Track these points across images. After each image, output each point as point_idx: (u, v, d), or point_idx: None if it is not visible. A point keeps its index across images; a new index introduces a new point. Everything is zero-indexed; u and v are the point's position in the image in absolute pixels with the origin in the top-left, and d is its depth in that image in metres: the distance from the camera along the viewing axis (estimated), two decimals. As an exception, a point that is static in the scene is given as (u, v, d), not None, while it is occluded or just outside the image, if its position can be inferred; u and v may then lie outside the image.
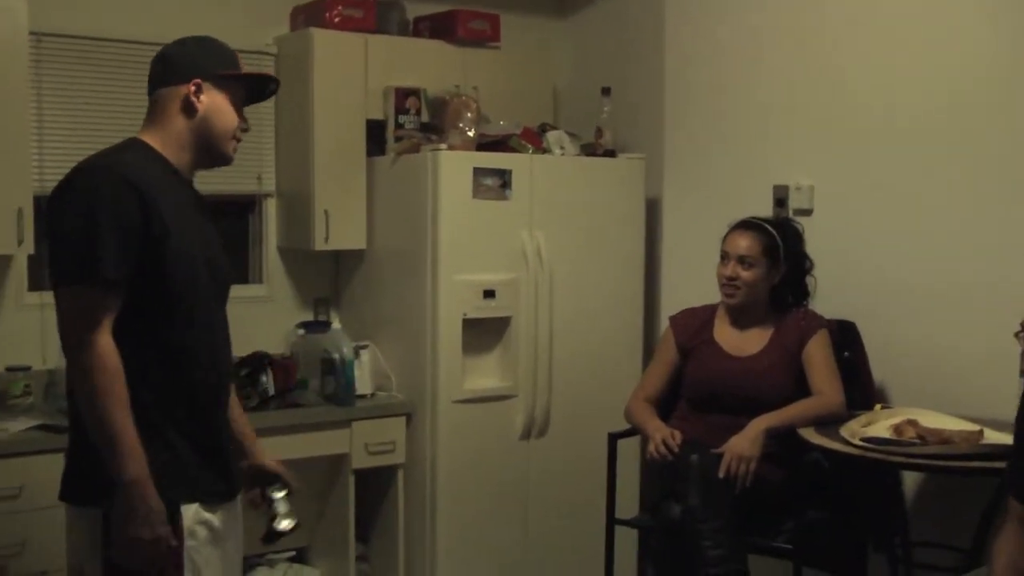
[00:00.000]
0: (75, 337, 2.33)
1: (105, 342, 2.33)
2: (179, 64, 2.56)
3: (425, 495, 4.43)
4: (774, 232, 3.88)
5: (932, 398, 3.77)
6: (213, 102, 2.56)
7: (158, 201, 2.42)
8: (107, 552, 2.40)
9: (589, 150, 4.77)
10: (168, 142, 2.55)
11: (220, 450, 2.59)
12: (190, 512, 2.47)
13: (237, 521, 2.66)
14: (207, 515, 2.51)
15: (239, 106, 2.64)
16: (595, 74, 5.15)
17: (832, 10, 4.29)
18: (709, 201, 4.77)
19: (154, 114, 2.58)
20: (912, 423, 3.43)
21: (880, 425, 3.49)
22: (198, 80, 2.54)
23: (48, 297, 4.21)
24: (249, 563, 4.41)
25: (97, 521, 2.40)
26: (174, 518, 2.42)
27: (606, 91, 4.77)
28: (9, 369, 4.19)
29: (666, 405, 4.06)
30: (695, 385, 3.91)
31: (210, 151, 2.60)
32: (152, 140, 2.55)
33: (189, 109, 2.55)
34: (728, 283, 3.85)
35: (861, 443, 3.34)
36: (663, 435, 3.70)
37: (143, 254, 2.39)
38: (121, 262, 2.35)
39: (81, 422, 2.44)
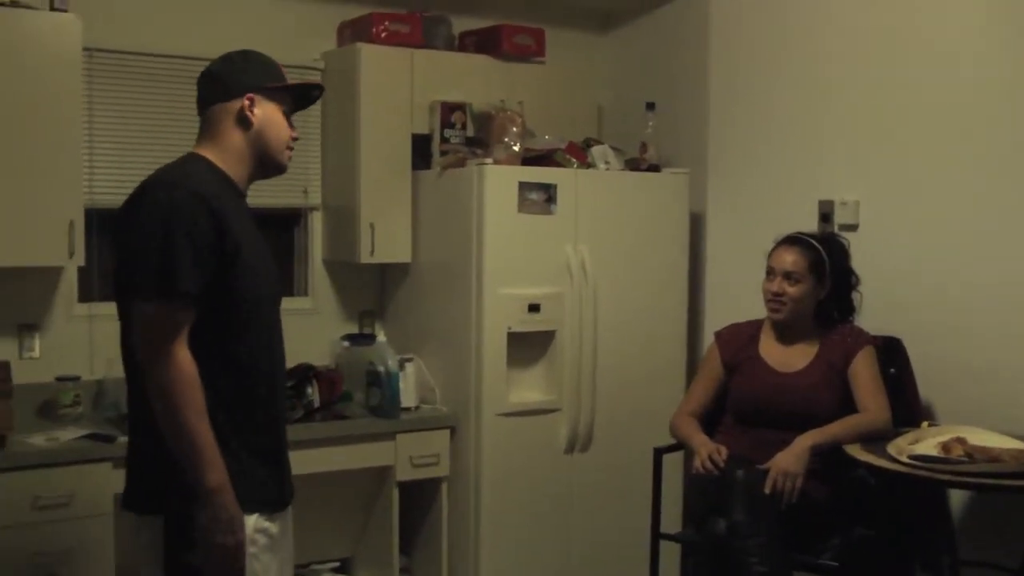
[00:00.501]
0: (155, 350, 2.37)
1: (184, 354, 2.38)
2: (230, 80, 2.62)
3: (469, 508, 4.44)
4: (820, 248, 3.86)
5: (979, 415, 3.74)
6: (266, 114, 2.63)
7: (227, 216, 2.47)
8: (168, 559, 2.44)
9: (633, 165, 4.78)
10: (226, 156, 2.61)
11: (280, 459, 2.64)
12: (251, 521, 2.50)
13: (290, 530, 2.70)
14: (266, 523, 2.54)
15: (288, 115, 2.70)
16: (639, 89, 5.16)
17: (879, 25, 4.28)
18: (753, 216, 4.76)
19: (209, 130, 2.63)
20: (960, 441, 3.40)
21: (927, 443, 3.47)
22: (251, 94, 2.60)
23: (97, 309, 4.34)
24: (294, 573, 4.43)
25: (159, 529, 2.45)
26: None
27: (650, 106, 4.78)
28: (59, 379, 4.24)
29: (711, 420, 4.05)
30: (740, 400, 3.90)
31: (266, 162, 2.66)
32: (211, 155, 2.60)
33: (244, 122, 2.61)
34: (774, 298, 3.84)
35: (909, 460, 3.32)
36: (709, 450, 3.70)
37: (216, 268, 2.44)
38: (198, 276, 2.40)
39: (143, 432, 2.49)
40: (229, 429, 2.47)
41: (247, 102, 2.59)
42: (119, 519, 3.86)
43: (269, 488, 2.58)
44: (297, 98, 2.77)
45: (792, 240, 3.90)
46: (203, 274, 2.41)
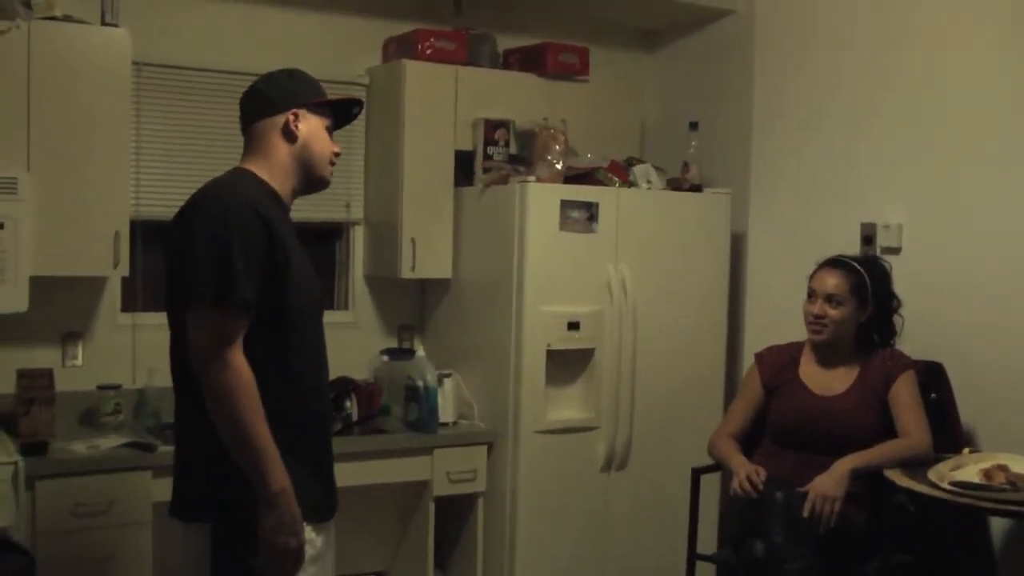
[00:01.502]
0: (213, 356, 2.40)
1: (240, 360, 2.41)
2: (274, 96, 2.68)
3: (505, 524, 4.44)
4: (862, 271, 3.84)
5: (1022, 442, 3.70)
6: (310, 129, 2.69)
7: (279, 229, 2.52)
8: (217, 567, 2.47)
9: (675, 184, 4.77)
10: (273, 171, 2.66)
11: (328, 471, 2.68)
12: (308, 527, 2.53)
13: (333, 542, 2.72)
14: (312, 534, 2.56)
15: (330, 131, 2.76)
16: (682, 108, 5.16)
17: (925, 46, 4.26)
18: (795, 237, 4.74)
19: (255, 145, 2.69)
20: (1002, 468, 3.36)
21: (969, 469, 3.43)
22: (296, 109, 2.66)
23: (140, 319, 4.40)
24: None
25: (207, 537, 2.48)
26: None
27: (693, 125, 4.78)
28: (101, 387, 4.28)
29: (750, 442, 4.03)
30: (780, 423, 3.88)
31: (311, 176, 2.71)
32: (258, 170, 2.66)
33: (290, 136, 2.66)
34: (815, 321, 3.82)
35: (950, 487, 3.29)
36: (748, 471, 3.68)
37: (267, 278, 2.48)
38: (253, 284, 2.44)
39: (193, 440, 2.53)
40: (280, 440, 2.47)
41: (292, 116, 2.65)
42: (158, 527, 3.89)
43: (317, 499, 2.60)
44: (338, 115, 2.82)
45: (834, 263, 3.88)
46: (257, 282, 2.45)
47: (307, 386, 2.60)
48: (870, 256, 4.02)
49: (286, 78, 2.72)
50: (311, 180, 2.73)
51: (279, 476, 2.42)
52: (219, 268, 2.41)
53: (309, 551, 2.53)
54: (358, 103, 2.89)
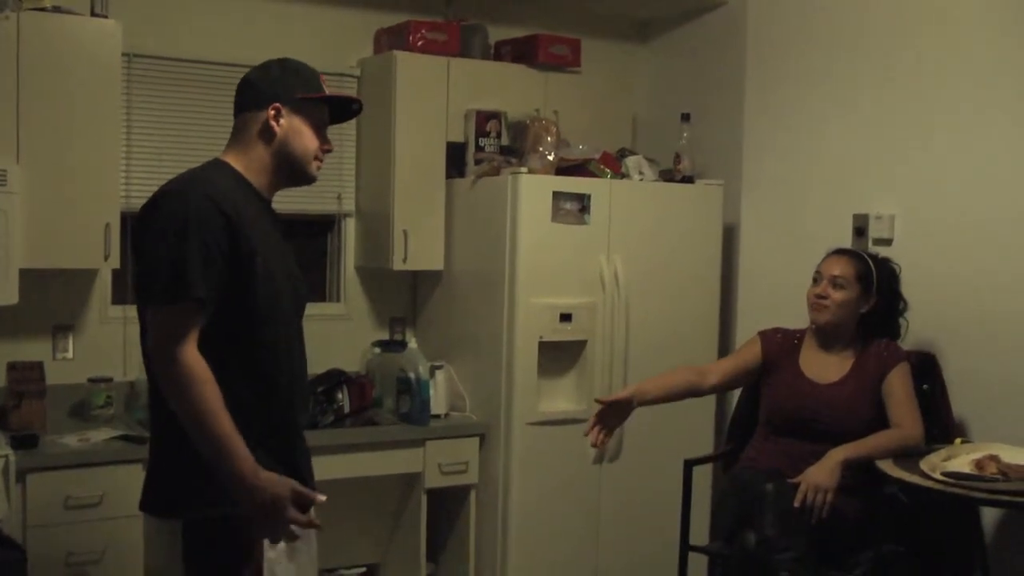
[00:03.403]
0: (165, 354, 2.36)
1: (192, 354, 2.36)
2: (260, 90, 2.63)
3: (497, 516, 4.44)
4: (869, 261, 3.85)
5: (1013, 433, 3.71)
6: (292, 126, 2.61)
7: (243, 222, 2.47)
8: (186, 562, 2.45)
9: (667, 176, 4.77)
10: (249, 165, 2.61)
11: (297, 465, 2.62)
12: None
13: (311, 535, 2.67)
14: None
15: (321, 127, 2.68)
16: (675, 100, 5.15)
17: (916, 38, 4.26)
18: (787, 228, 4.75)
19: (236, 137, 2.65)
20: (994, 458, 3.37)
21: (961, 460, 3.44)
22: (277, 105, 2.60)
23: (131, 311, 4.35)
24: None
25: (177, 533, 2.45)
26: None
27: (685, 117, 4.77)
28: (92, 380, 4.27)
29: (745, 430, 4.04)
30: (774, 409, 3.88)
31: (291, 173, 2.66)
32: (235, 162, 2.62)
33: (267, 133, 2.60)
34: (817, 300, 3.83)
35: (942, 477, 3.29)
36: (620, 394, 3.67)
37: (230, 274, 2.43)
38: (208, 280, 2.39)
39: (162, 435, 2.51)
40: (246, 435, 2.41)
41: (272, 112, 2.59)
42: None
43: None
44: (334, 111, 2.76)
45: (843, 250, 3.92)
46: (214, 278, 2.40)
47: (277, 382, 2.55)
48: (882, 257, 4.01)
49: (278, 70, 2.66)
50: (293, 177, 2.67)
51: (242, 461, 2.35)
52: (173, 264, 2.37)
53: (280, 546, 2.49)
54: (356, 101, 2.83)
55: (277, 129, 2.60)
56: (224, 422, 2.36)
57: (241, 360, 2.49)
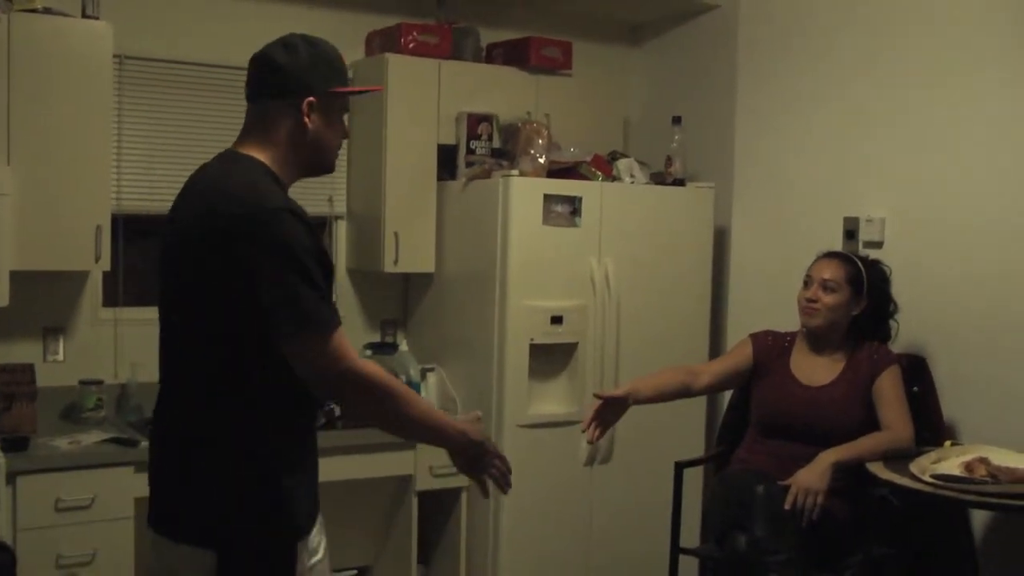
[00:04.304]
0: (349, 375, 2.27)
1: (361, 362, 2.31)
2: (292, 78, 2.39)
3: (488, 518, 4.44)
4: (859, 263, 3.87)
5: (1003, 435, 3.72)
6: (324, 119, 2.43)
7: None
8: None
9: (658, 179, 4.78)
10: (277, 158, 2.41)
11: (317, 472, 2.55)
12: (310, 537, 2.44)
13: (323, 537, 2.60)
14: (315, 536, 2.48)
15: (344, 116, 2.52)
16: (666, 103, 5.16)
17: (907, 41, 4.27)
18: (777, 231, 4.76)
19: (262, 128, 2.42)
20: (983, 461, 3.38)
21: (950, 462, 3.45)
22: (312, 100, 2.39)
23: (122, 313, 4.40)
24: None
25: (211, 564, 2.30)
26: (295, 547, 2.38)
27: (677, 120, 4.78)
28: (82, 383, 4.27)
29: (736, 432, 4.05)
30: (764, 411, 3.89)
31: (316, 165, 2.49)
32: (263, 157, 2.40)
33: (299, 128, 2.41)
34: (808, 304, 3.84)
35: (931, 480, 3.30)
36: (597, 404, 3.64)
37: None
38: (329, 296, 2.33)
39: (206, 458, 2.33)
40: (295, 448, 2.41)
41: (307, 107, 2.39)
42: (141, 523, 3.86)
43: (312, 506, 2.49)
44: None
45: (833, 254, 3.93)
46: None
47: (312, 398, 2.46)
48: (872, 259, 4.03)
49: (308, 55, 2.41)
50: (316, 169, 2.50)
51: (449, 423, 2.46)
52: (310, 295, 2.24)
53: (317, 553, 2.47)
54: (373, 90, 2.70)
55: (310, 124, 2.40)
56: (420, 403, 2.42)
57: (293, 380, 2.33)
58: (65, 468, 3.77)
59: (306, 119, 2.39)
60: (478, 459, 2.48)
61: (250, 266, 2.22)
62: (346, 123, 2.53)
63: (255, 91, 2.44)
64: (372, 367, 2.33)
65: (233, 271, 2.23)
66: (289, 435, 2.40)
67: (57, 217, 3.96)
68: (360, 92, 2.61)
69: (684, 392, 3.91)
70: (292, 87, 2.38)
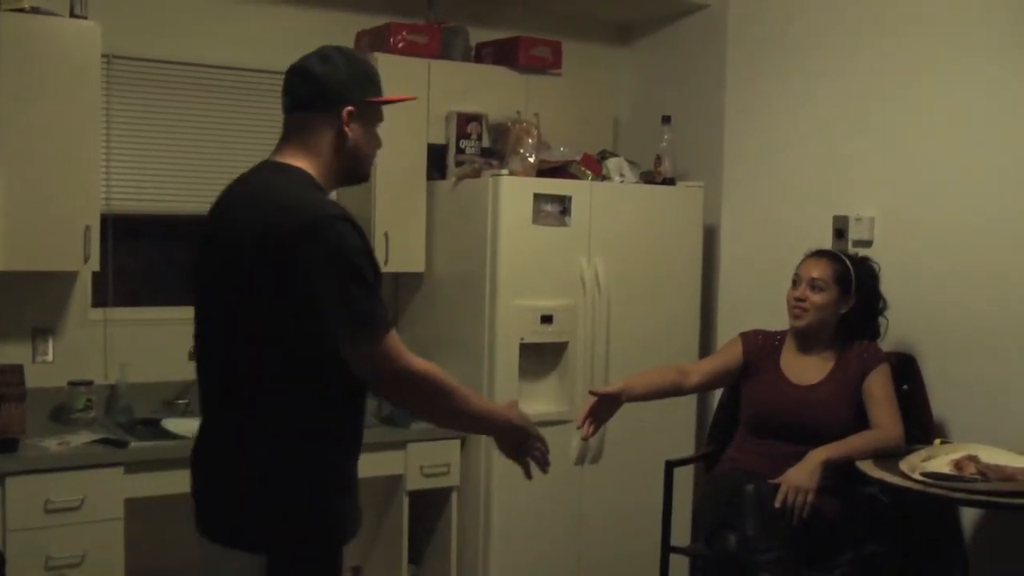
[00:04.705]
0: (405, 373, 2.35)
1: (415, 360, 2.37)
2: (331, 89, 2.44)
3: (479, 518, 4.44)
4: (847, 262, 3.87)
5: (992, 433, 3.73)
6: (362, 128, 2.49)
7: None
8: None
9: (648, 178, 4.78)
10: (320, 168, 2.45)
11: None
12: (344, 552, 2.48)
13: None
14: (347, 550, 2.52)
15: (378, 126, 2.58)
16: (655, 102, 5.17)
17: (897, 40, 4.28)
18: (767, 230, 4.76)
19: (302, 138, 2.47)
20: (973, 459, 3.39)
21: (940, 460, 3.46)
22: (351, 109, 2.45)
23: (112, 314, 4.38)
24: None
25: (262, 569, 2.34)
26: (341, 552, 2.44)
27: (666, 119, 4.78)
28: (72, 384, 4.25)
29: (725, 431, 4.05)
30: (754, 411, 3.90)
31: (354, 173, 2.54)
32: (307, 167, 2.45)
33: (340, 137, 2.46)
34: (796, 304, 3.85)
35: (921, 478, 3.31)
36: (592, 400, 3.61)
37: None
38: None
39: (258, 464, 2.36)
40: (346, 458, 2.48)
41: (346, 116, 2.44)
42: (130, 524, 3.88)
43: (357, 512, 2.54)
44: None
45: (821, 252, 3.94)
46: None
47: (364, 404, 2.52)
48: (861, 256, 4.03)
49: (345, 66, 2.46)
50: (354, 178, 2.55)
51: (498, 411, 2.60)
52: (366, 300, 2.30)
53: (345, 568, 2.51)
54: (407, 99, 2.75)
55: (350, 133, 2.45)
56: (469, 395, 2.50)
57: (350, 386, 2.41)
58: (54, 469, 3.76)
59: (346, 128, 2.45)
60: (522, 443, 2.62)
61: (308, 273, 2.26)
62: (379, 133, 2.57)
63: (293, 102, 2.48)
64: (425, 364, 2.39)
65: (289, 279, 2.27)
66: (339, 443, 2.46)
67: (46, 217, 3.95)
68: (395, 101, 2.63)
69: (674, 391, 3.92)
70: (331, 97, 2.44)
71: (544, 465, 2.68)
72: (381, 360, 2.32)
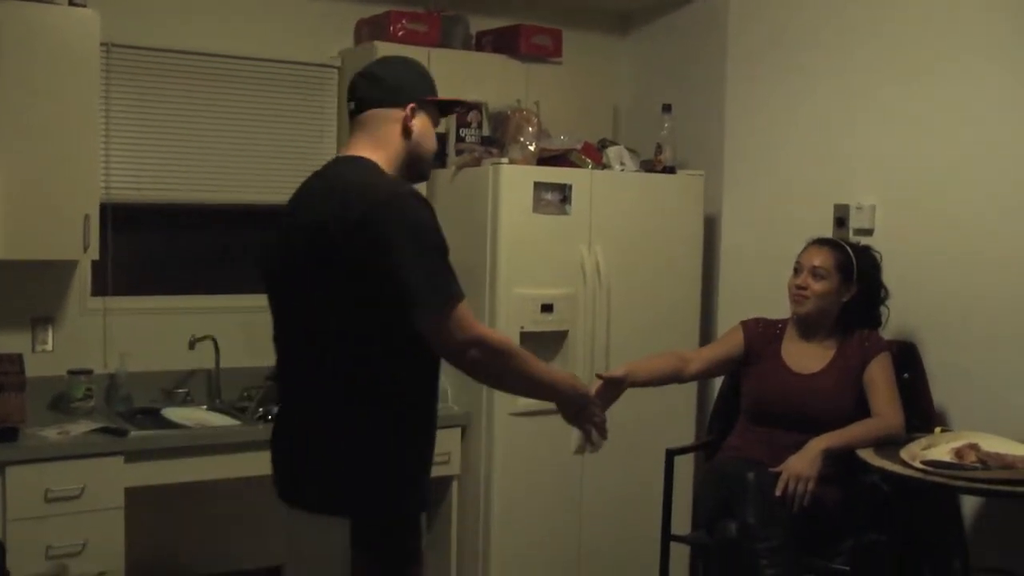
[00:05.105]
0: (479, 340, 2.47)
1: (487, 328, 2.55)
2: (393, 86, 2.66)
3: (479, 507, 4.44)
4: (849, 250, 3.87)
5: (993, 422, 3.72)
6: (423, 125, 2.68)
7: None
8: (356, 559, 2.51)
9: (648, 166, 4.77)
10: (389, 161, 2.64)
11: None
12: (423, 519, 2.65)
13: None
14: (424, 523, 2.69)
15: (434, 127, 2.77)
16: (656, 91, 5.15)
17: (897, 28, 4.26)
18: (767, 218, 4.75)
19: (370, 132, 2.65)
20: (973, 447, 3.38)
21: (941, 448, 3.45)
22: (413, 104, 2.65)
23: (111, 303, 4.38)
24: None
25: (344, 531, 2.49)
26: (420, 519, 2.61)
27: (667, 108, 4.77)
28: (71, 373, 4.25)
29: (727, 420, 4.06)
30: (755, 400, 3.89)
31: (415, 168, 2.70)
32: (377, 158, 2.62)
33: (407, 131, 2.65)
34: (798, 291, 3.84)
35: (921, 466, 3.30)
36: (598, 384, 3.57)
37: None
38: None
39: (341, 434, 2.51)
40: (419, 435, 2.62)
41: (409, 112, 2.64)
42: (131, 513, 3.88)
43: (431, 485, 2.70)
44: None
45: (823, 241, 3.94)
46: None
47: (437, 380, 2.67)
48: (863, 245, 4.03)
49: (404, 68, 2.72)
50: (415, 175, 2.71)
51: (564, 379, 2.74)
52: (447, 267, 2.48)
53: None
54: (461, 104, 2.96)
55: (413, 127, 2.65)
56: (538, 362, 2.62)
57: (427, 358, 2.56)
58: (54, 458, 3.76)
59: (410, 123, 2.65)
60: (584, 409, 2.76)
61: (387, 246, 2.40)
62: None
63: (361, 102, 2.68)
64: (497, 333, 2.58)
65: (370, 256, 2.41)
66: (415, 417, 2.60)
67: (45, 206, 3.95)
68: (451, 102, 2.85)
69: (675, 377, 3.92)
70: (396, 94, 2.65)
71: (603, 432, 2.85)
72: (456, 328, 2.44)
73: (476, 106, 2.93)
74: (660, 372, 3.86)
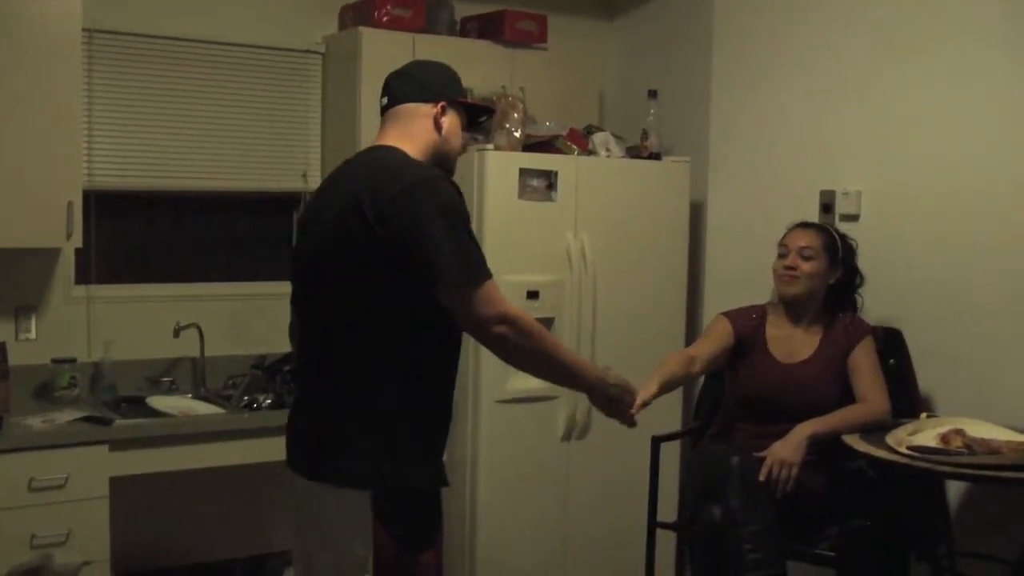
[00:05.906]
0: (505, 317, 2.55)
1: (515, 307, 2.59)
2: (426, 84, 2.78)
3: (465, 493, 4.43)
4: (833, 231, 3.88)
5: (979, 407, 3.73)
6: (452, 124, 2.80)
7: None
8: (377, 532, 2.58)
9: (634, 152, 4.76)
10: (419, 153, 2.73)
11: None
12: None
13: None
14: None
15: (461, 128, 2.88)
16: (642, 76, 5.14)
17: (884, 14, 4.26)
18: (754, 205, 4.75)
19: (402, 126, 2.76)
20: (959, 432, 3.39)
21: (926, 434, 3.46)
22: (443, 102, 2.76)
23: (95, 291, 4.35)
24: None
25: (366, 503, 2.57)
26: (440, 495, 2.72)
27: (652, 94, 4.75)
28: (55, 361, 4.24)
29: (712, 405, 4.07)
30: (741, 391, 3.89)
31: (442, 167, 2.76)
32: (409, 149, 2.72)
33: (437, 127, 2.76)
34: (786, 272, 3.83)
35: (907, 452, 3.31)
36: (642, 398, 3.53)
37: None
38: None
39: (360, 410, 2.60)
40: (439, 413, 2.72)
41: (440, 109, 2.75)
42: (116, 502, 3.86)
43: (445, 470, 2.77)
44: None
45: (807, 224, 3.94)
46: None
47: (458, 358, 2.75)
48: (840, 232, 4.03)
49: (437, 69, 2.84)
50: (440, 168, 2.76)
51: (591, 366, 2.85)
52: (475, 246, 2.56)
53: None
54: (489, 112, 3.10)
55: (443, 124, 2.76)
56: (567, 348, 2.76)
57: (452, 335, 2.69)
58: (39, 447, 3.75)
59: (440, 120, 2.76)
60: (616, 399, 2.86)
61: (416, 224, 2.50)
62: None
63: (394, 98, 2.79)
64: (524, 312, 2.61)
65: (401, 233, 2.51)
66: (440, 394, 2.71)
67: (27, 193, 3.92)
68: (479, 106, 2.98)
69: (686, 378, 3.89)
70: (429, 92, 2.77)
71: (631, 422, 2.98)
72: (484, 302, 2.53)
73: (491, 112, 2.99)
74: (676, 377, 3.77)
